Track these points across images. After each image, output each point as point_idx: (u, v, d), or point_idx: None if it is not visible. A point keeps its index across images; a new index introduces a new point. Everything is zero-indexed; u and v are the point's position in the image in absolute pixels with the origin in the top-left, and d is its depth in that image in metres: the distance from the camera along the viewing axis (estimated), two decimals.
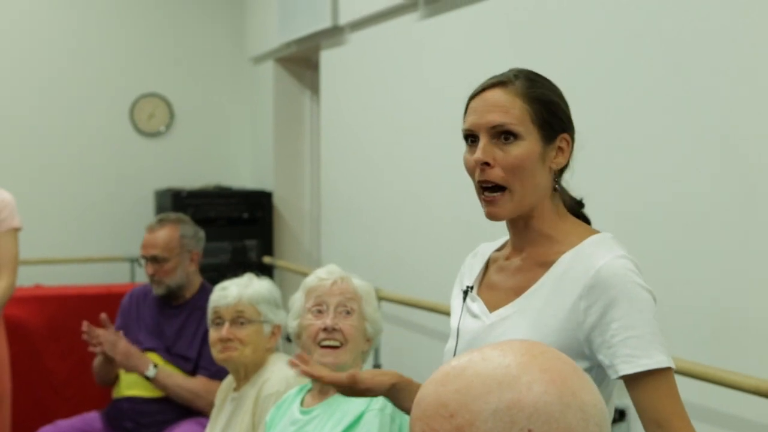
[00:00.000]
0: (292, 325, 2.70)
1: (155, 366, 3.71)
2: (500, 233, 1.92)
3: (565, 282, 1.73)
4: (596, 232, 1.81)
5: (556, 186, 1.80)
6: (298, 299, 2.71)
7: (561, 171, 1.81)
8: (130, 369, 3.72)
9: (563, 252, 1.76)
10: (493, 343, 1.12)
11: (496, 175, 1.75)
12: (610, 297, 1.67)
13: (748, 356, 2.44)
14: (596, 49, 3.08)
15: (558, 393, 1.04)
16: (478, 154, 1.74)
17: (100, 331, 3.69)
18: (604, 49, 3.03)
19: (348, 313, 2.61)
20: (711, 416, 2.54)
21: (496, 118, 1.75)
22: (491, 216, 1.79)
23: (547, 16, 3.37)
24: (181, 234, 3.98)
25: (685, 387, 2.52)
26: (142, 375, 3.69)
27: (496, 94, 1.78)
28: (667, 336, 2.67)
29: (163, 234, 3.95)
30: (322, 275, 2.67)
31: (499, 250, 1.94)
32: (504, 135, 1.74)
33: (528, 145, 1.75)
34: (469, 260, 1.99)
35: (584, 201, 1.88)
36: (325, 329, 2.57)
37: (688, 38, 2.67)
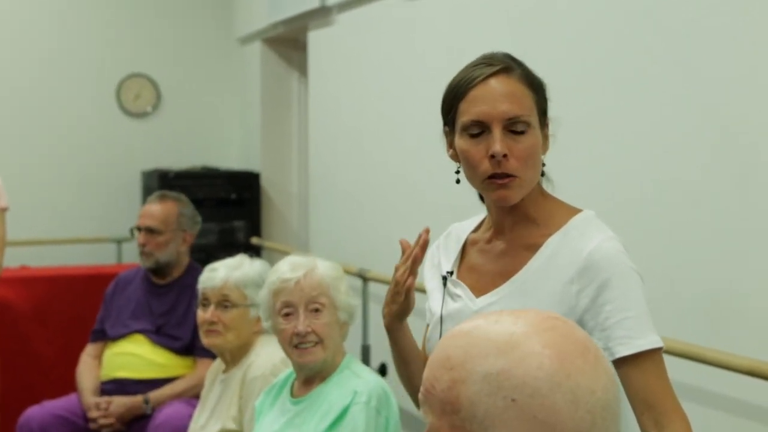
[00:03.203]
0: (265, 324, 2.68)
1: (146, 401, 3.73)
2: (484, 212, 1.91)
3: (554, 266, 1.72)
4: (578, 210, 1.80)
5: (543, 171, 1.80)
6: (265, 299, 2.63)
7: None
8: (130, 416, 3.74)
9: (549, 234, 1.75)
10: (513, 310, 1.14)
11: (511, 166, 1.71)
12: (603, 279, 1.67)
13: (742, 338, 2.45)
14: (591, 34, 3.07)
15: (551, 371, 1.04)
16: (497, 147, 1.69)
17: (94, 414, 3.74)
18: (600, 34, 3.02)
19: (317, 310, 2.55)
20: (706, 397, 2.55)
21: (512, 109, 1.71)
22: (504, 200, 1.74)
23: None
24: (180, 212, 3.99)
25: (680, 368, 2.53)
26: (143, 411, 3.73)
27: (505, 83, 1.73)
28: (662, 318, 2.68)
29: (163, 207, 3.97)
30: (285, 275, 2.57)
31: (474, 231, 1.91)
32: (517, 125, 1.71)
33: (536, 133, 1.74)
34: (442, 241, 1.96)
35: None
36: (297, 334, 2.53)
37: (686, 26, 2.66)
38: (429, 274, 1.95)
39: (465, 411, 1.05)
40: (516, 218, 1.80)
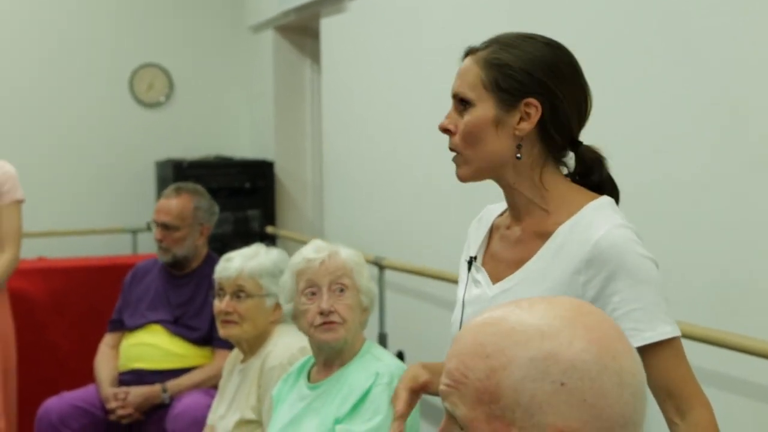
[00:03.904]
0: (286, 307, 2.68)
1: (164, 390, 3.74)
2: (501, 198, 1.89)
3: (563, 255, 1.69)
4: (594, 197, 1.75)
5: (518, 154, 1.73)
6: (287, 281, 2.67)
7: (549, 137, 1.73)
8: (148, 405, 3.75)
9: (561, 222, 1.72)
10: (544, 297, 1.13)
11: (454, 141, 1.77)
12: (610, 270, 1.64)
13: (755, 321, 2.43)
14: (597, 19, 3.05)
15: (598, 353, 1.03)
16: (442, 121, 1.78)
17: (113, 404, 3.76)
18: (606, 20, 3.00)
19: (341, 290, 2.58)
20: (720, 380, 2.54)
21: (456, 86, 1.78)
22: (458, 177, 1.81)
23: None
24: (196, 206, 3.97)
25: (692, 351, 2.52)
26: (161, 401, 3.74)
27: (464, 62, 1.79)
28: (674, 302, 2.67)
29: (179, 202, 3.95)
30: (310, 255, 2.62)
31: (502, 214, 1.89)
32: (462, 102, 1.76)
33: (478, 111, 1.73)
34: (474, 226, 1.95)
35: (604, 162, 1.80)
36: (321, 313, 2.55)
37: (692, 9, 2.64)
38: (462, 260, 1.94)
39: (507, 398, 1.02)
40: (523, 205, 1.78)
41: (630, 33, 2.90)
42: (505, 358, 1.03)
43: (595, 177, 1.79)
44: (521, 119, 1.72)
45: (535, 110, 1.72)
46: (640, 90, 2.84)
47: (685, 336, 2.49)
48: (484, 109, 1.73)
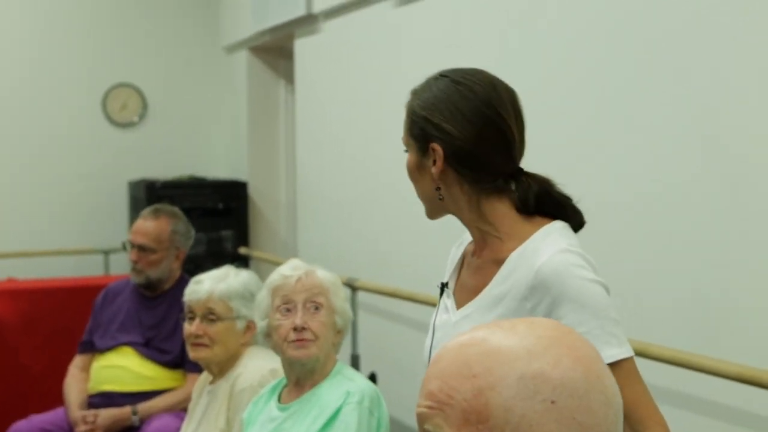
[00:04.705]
0: (260, 324, 2.68)
1: (134, 412, 3.70)
2: None
3: (512, 281, 1.70)
4: (546, 222, 1.75)
5: (439, 196, 1.78)
6: (263, 299, 2.67)
7: (466, 175, 1.76)
8: (118, 428, 3.71)
9: (513, 249, 1.73)
10: (523, 318, 1.13)
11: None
12: (553, 296, 1.64)
13: (730, 344, 2.44)
14: (576, 43, 3.06)
15: (584, 372, 1.03)
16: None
17: (81, 429, 3.70)
18: (586, 43, 3.02)
19: (316, 308, 2.58)
20: (694, 403, 2.54)
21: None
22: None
23: (524, 4, 3.35)
24: (174, 229, 3.93)
25: (668, 374, 2.53)
26: (130, 423, 3.70)
27: None
28: (650, 324, 2.68)
29: (157, 225, 3.91)
30: (286, 272, 2.63)
31: (472, 242, 1.91)
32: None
33: (409, 156, 1.82)
34: (453, 251, 1.97)
35: (551, 186, 1.79)
36: (294, 329, 2.55)
37: (673, 31, 2.66)
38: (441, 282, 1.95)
39: (496, 418, 1.00)
40: (482, 235, 1.79)
41: (612, 54, 2.91)
42: (493, 377, 1.02)
43: (547, 201, 1.78)
44: (434, 162, 1.77)
45: (438, 153, 1.75)
46: (621, 112, 2.85)
47: (654, 357, 2.50)
48: (411, 154, 1.82)
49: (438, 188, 1.78)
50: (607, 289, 1.68)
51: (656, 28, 2.71)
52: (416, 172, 1.81)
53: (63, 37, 6.37)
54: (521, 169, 1.80)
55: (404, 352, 3.98)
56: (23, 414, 3.93)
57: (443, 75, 1.81)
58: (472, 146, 1.74)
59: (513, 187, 1.77)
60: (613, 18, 2.89)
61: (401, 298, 3.90)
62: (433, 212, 1.85)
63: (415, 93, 1.82)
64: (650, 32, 2.73)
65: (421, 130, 1.77)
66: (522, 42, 3.31)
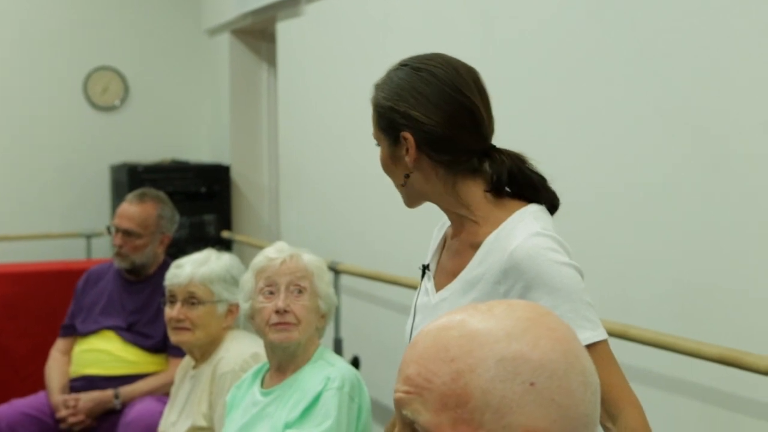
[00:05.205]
0: (244, 306, 2.67)
1: (116, 395, 3.69)
2: None
3: (487, 265, 1.71)
4: (522, 205, 1.76)
5: (403, 183, 1.82)
6: (248, 281, 2.66)
7: (439, 159, 1.76)
8: (100, 411, 3.70)
9: (489, 233, 1.74)
10: (502, 300, 1.12)
11: None
12: (526, 280, 1.64)
13: (713, 326, 2.45)
14: (564, 32, 3.05)
15: (563, 352, 1.03)
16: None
17: (63, 413, 3.70)
18: (574, 33, 3.01)
19: (300, 292, 2.58)
20: (677, 385, 2.55)
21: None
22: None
23: None
24: (159, 214, 3.91)
25: (652, 357, 2.54)
26: (112, 406, 3.69)
27: None
28: (634, 307, 2.69)
29: (142, 209, 3.88)
30: (271, 255, 2.63)
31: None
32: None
33: (381, 150, 1.84)
34: (435, 233, 1.98)
35: (523, 161, 1.79)
36: (277, 311, 2.54)
37: (657, 23, 2.66)
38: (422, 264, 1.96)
39: (476, 401, 1.00)
40: (459, 219, 1.81)
41: (600, 43, 2.91)
42: (472, 360, 1.01)
43: (521, 179, 1.79)
44: (406, 151, 1.78)
45: (410, 141, 1.76)
46: (605, 105, 2.85)
47: (639, 340, 2.51)
48: (383, 148, 1.84)
49: (407, 175, 1.80)
50: (580, 273, 1.68)
51: (644, 18, 2.71)
52: (391, 164, 1.82)
53: (43, 21, 6.32)
54: (494, 146, 1.81)
55: (387, 336, 3.98)
56: (4, 398, 3.92)
57: (403, 64, 1.83)
58: (441, 129, 1.75)
59: (487, 166, 1.78)
60: (601, 6, 2.88)
61: (384, 281, 3.90)
62: (411, 201, 1.87)
63: (378, 86, 1.84)
64: (638, 21, 2.73)
65: (390, 121, 1.78)
66: (508, 27, 3.30)
